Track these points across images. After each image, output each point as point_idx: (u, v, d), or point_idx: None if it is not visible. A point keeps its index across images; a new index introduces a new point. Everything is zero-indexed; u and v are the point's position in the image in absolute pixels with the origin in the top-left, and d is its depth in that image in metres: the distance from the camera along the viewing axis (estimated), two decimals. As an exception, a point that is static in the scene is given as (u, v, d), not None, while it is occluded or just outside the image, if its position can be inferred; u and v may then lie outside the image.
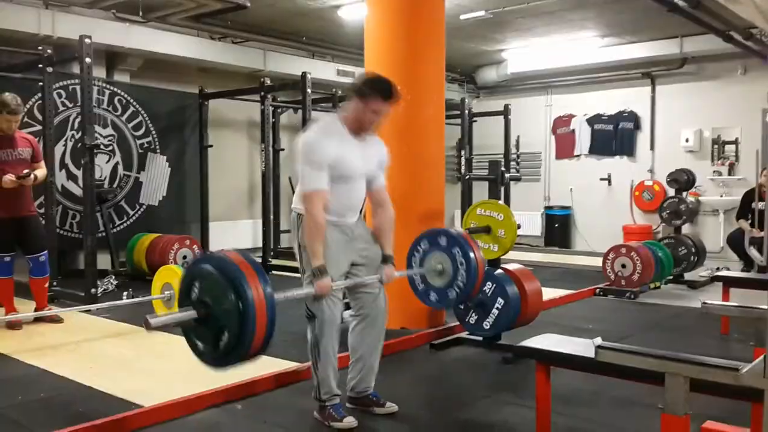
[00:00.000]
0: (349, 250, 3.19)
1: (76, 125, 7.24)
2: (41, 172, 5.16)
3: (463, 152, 10.11)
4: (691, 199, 8.76)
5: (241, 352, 2.37)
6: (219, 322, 2.36)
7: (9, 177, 4.84)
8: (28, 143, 5.14)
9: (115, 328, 5.15)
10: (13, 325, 5.03)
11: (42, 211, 6.03)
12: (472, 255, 3.54)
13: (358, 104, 3.09)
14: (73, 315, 5.45)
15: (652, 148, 10.51)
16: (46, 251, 5.24)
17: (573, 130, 11.27)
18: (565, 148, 11.38)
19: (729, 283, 5.19)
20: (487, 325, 4.40)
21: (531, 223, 11.19)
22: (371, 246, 3.28)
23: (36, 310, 5.25)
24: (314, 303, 3.09)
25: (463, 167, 10.16)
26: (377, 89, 3.08)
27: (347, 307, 3.44)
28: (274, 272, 7.66)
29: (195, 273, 2.46)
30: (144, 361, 4.32)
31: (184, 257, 7.17)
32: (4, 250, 5.03)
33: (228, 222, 9.26)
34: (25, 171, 4.94)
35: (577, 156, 11.26)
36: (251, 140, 9.65)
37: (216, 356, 2.42)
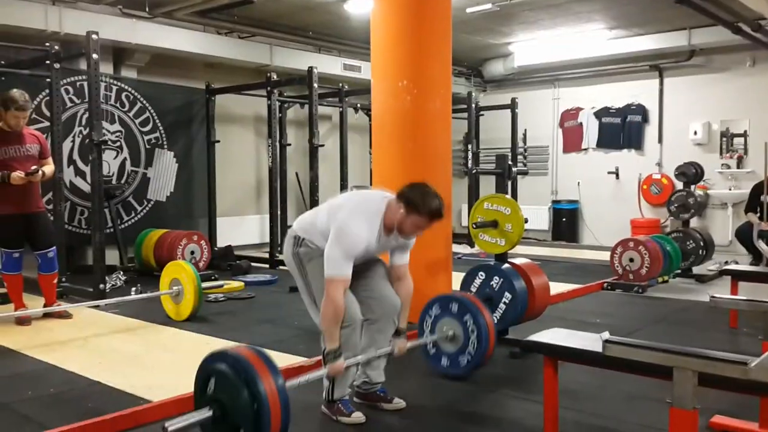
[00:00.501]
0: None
1: (83, 121, 7.26)
2: (49, 168, 5.18)
3: (470, 146, 10.10)
4: (699, 192, 8.73)
5: None
6: (235, 420, 2.41)
7: (18, 174, 4.86)
8: (36, 140, 5.16)
9: (124, 324, 5.17)
10: (22, 321, 5.06)
11: (50, 207, 6.05)
12: (483, 322, 3.63)
13: (404, 213, 3.03)
14: (81, 311, 5.48)
15: (660, 141, 10.46)
16: (54, 247, 5.26)
17: (580, 124, 11.22)
18: (572, 141, 11.34)
19: (737, 276, 5.17)
20: (494, 319, 4.39)
21: (538, 217, 11.18)
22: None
23: (45, 306, 5.27)
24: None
25: (470, 161, 10.16)
26: (427, 209, 3.01)
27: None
28: (281, 268, 7.68)
29: (210, 370, 2.52)
30: (153, 356, 4.34)
31: (192, 253, 7.20)
32: (12, 246, 5.05)
33: (235, 217, 9.29)
34: (34, 167, 4.96)
35: (585, 149, 11.22)
36: (258, 135, 9.67)
37: None
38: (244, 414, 2.39)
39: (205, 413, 2.45)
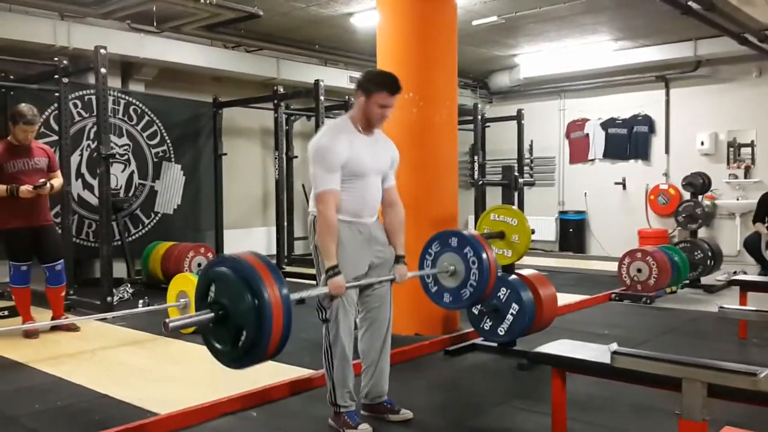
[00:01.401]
0: (367, 251, 3.20)
1: (91, 135, 7.31)
2: (57, 181, 5.21)
3: (476, 157, 10.10)
4: (707, 202, 8.71)
5: (260, 350, 2.40)
6: (236, 322, 2.39)
7: (26, 187, 4.89)
8: (45, 153, 5.20)
9: (131, 337, 5.18)
10: (29, 334, 5.07)
11: (58, 220, 6.09)
12: (484, 255, 3.55)
13: (365, 101, 3.13)
14: (89, 323, 5.49)
15: (667, 151, 10.44)
16: (62, 260, 5.28)
17: (587, 135, 11.22)
18: (579, 152, 11.34)
19: (746, 287, 5.15)
20: (501, 331, 4.38)
21: (545, 228, 11.16)
22: (386, 248, 3.30)
23: (52, 318, 5.29)
24: (328, 306, 3.11)
25: (476, 173, 10.15)
26: (381, 83, 3.13)
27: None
28: (288, 279, 7.68)
29: (210, 276, 2.50)
30: (160, 369, 4.33)
31: (199, 265, 7.21)
32: (20, 259, 5.08)
33: (242, 229, 9.31)
34: (42, 180, 4.99)
35: (592, 160, 11.22)
36: (265, 148, 9.70)
37: (234, 356, 2.46)
38: (245, 311, 2.36)
39: (207, 314, 2.43)
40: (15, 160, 4.98)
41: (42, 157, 5.14)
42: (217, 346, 2.48)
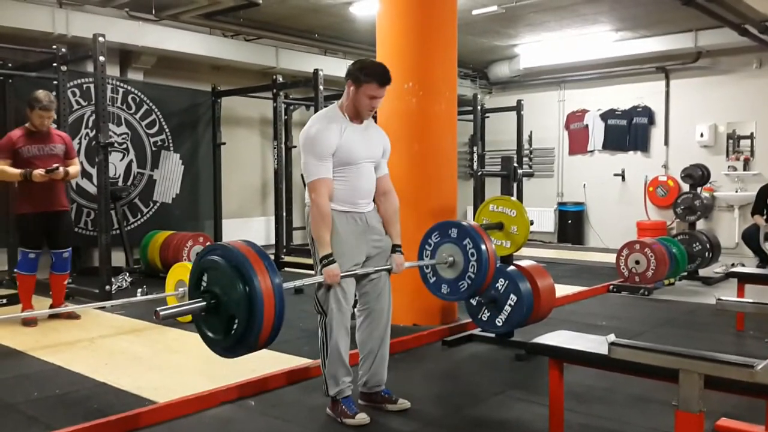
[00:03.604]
0: (363, 240, 3.19)
1: (90, 124, 7.29)
2: (74, 168, 5.24)
3: (475, 148, 10.09)
4: (705, 194, 8.72)
5: (252, 339, 2.41)
6: (228, 310, 2.41)
7: (39, 171, 4.93)
8: (62, 140, 5.24)
9: (130, 325, 5.19)
10: (28, 322, 5.08)
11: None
12: (483, 246, 3.55)
13: (354, 90, 3.12)
14: (87, 312, 5.50)
15: (666, 143, 10.44)
16: (70, 249, 5.32)
17: (586, 126, 11.21)
18: (578, 143, 11.33)
19: (744, 279, 5.15)
20: (499, 321, 4.39)
21: (544, 220, 11.17)
22: (384, 237, 3.29)
23: (52, 306, 5.30)
24: (324, 297, 3.10)
25: (475, 163, 10.14)
26: (371, 74, 3.10)
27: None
28: (287, 269, 7.68)
29: (203, 265, 2.51)
30: (158, 357, 4.35)
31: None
32: (31, 245, 5.09)
33: (241, 219, 9.31)
34: (54, 165, 4.99)
35: (591, 151, 11.21)
36: (264, 137, 9.69)
37: (227, 345, 2.47)
38: (236, 300, 2.37)
39: (198, 303, 2.45)
40: (30, 145, 5.02)
41: (59, 144, 5.18)
42: (210, 334, 2.50)
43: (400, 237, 3.34)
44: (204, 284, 2.48)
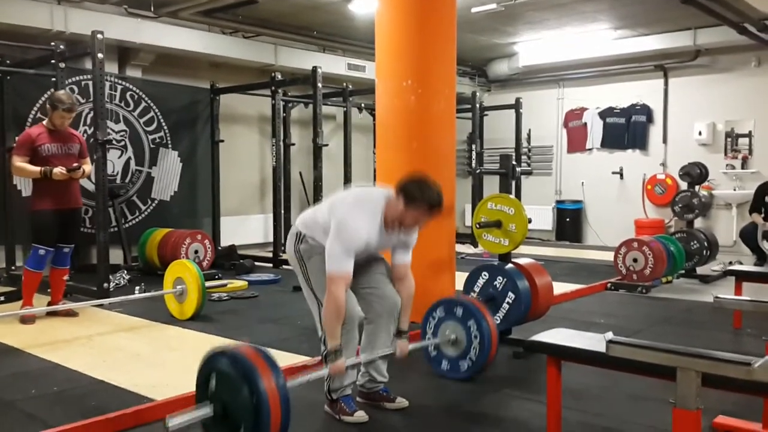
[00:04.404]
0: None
1: (88, 121, 7.27)
2: (88, 167, 5.31)
3: (474, 146, 10.09)
4: (703, 192, 8.72)
5: None
6: (235, 418, 2.42)
7: (59, 169, 4.98)
8: (77, 140, 5.30)
9: (128, 323, 5.19)
10: (26, 320, 5.07)
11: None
12: (487, 328, 3.62)
13: (403, 207, 2.99)
14: (85, 309, 5.49)
15: (664, 141, 10.44)
16: (74, 245, 5.36)
17: (585, 124, 11.21)
18: (576, 141, 11.33)
19: (742, 277, 5.16)
20: (497, 319, 4.38)
21: (542, 218, 11.16)
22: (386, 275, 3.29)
23: (50, 304, 5.30)
24: (320, 285, 3.09)
25: (473, 161, 10.14)
26: (425, 199, 2.97)
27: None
28: (284, 267, 7.69)
29: (211, 367, 2.53)
30: (156, 355, 4.34)
31: (196, 252, 7.21)
32: (45, 242, 5.11)
33: (239, 217, 9.31)
34: (75, 165, 5.08)
35: (589, 150, 11.21)
36: (262, 135, 9.67)
37: None
38: (243, 412, 2.39)
39: (206, 411, 2.46)
40: (49, 143, 5.06)
41: (74, 143, 5.23)
42: None
43: (408, 323, 3.32)
44: (212, 388, 2.51)
